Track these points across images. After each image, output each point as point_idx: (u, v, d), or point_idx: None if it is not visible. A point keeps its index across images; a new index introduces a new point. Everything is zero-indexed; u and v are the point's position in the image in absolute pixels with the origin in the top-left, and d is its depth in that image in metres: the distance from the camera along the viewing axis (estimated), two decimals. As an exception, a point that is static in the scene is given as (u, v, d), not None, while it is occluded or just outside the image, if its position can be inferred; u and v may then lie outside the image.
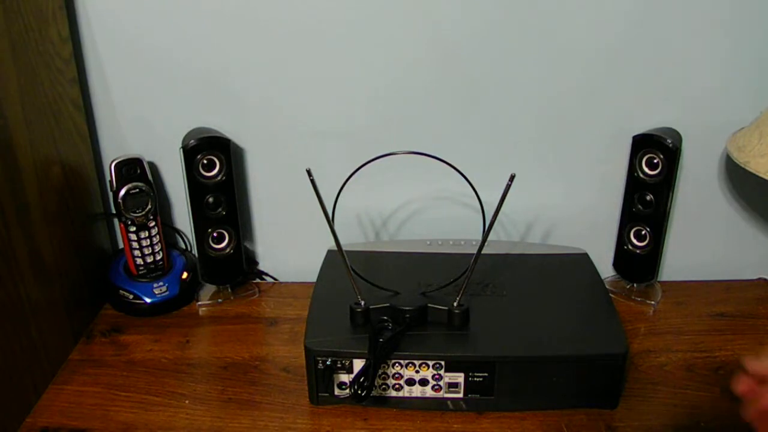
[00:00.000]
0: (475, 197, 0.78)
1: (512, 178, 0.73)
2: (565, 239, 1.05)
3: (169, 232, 1.06)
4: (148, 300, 0.97)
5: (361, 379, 0.74)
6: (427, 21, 0.91)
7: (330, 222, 0.78)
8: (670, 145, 0.90)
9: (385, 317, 0.80)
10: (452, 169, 0.78)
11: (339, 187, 0.83)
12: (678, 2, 0.89)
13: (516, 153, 0.99)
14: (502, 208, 0.76)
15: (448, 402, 0.79)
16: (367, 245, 0.99)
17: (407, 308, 0.79)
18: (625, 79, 0.94)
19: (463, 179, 0.78)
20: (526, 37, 0.92)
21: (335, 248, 0.80)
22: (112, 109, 0.98)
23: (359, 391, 0.73)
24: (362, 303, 0.81)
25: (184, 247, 1.07)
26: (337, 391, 0.79)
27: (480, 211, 0.80)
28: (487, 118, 0.97)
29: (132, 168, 0.92)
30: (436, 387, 0.78)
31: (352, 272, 0.81)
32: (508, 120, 0.97)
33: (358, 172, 0.80)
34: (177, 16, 0.92)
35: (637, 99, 0.95)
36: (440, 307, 0.80)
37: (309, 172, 0.74)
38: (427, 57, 0.93)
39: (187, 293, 1.00)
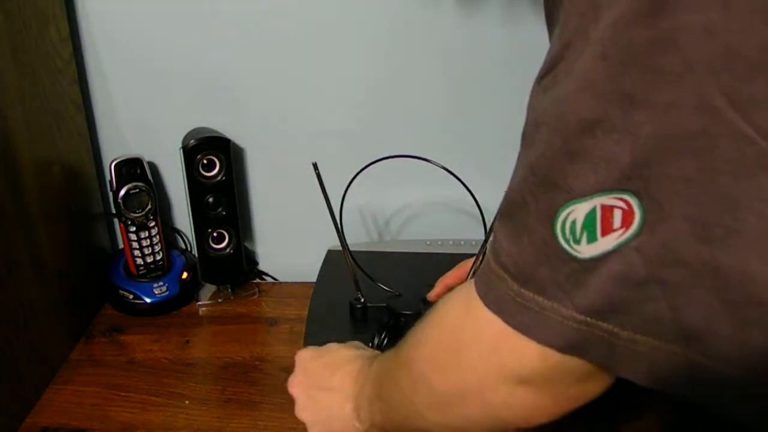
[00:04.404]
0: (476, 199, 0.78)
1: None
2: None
3: (169, 232, 1.06)
4: (148, 300, 0.97)
5: None
6: (427, 21, 0.91)
7: (333, 215, 0.78)
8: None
9: (385, 327, 0.79)
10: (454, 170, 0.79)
11: (339, 186, 0.83)
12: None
13: (515, 153, 0.98)
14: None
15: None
16: (367, 245, 0.99)
17: (406, 312, 0.79)
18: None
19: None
20: (526, 39, 0.92)
21: (335, 248, 0.80)
22: (111, 109, 0.98)
23: None
24: (362, 299, 0.81)
25: (184, 247, 1.07)
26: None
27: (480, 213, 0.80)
28: (488, 118, 0.97)
29: (132, 168, 0.92)
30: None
31: (354, 267, 0.81)
32: (510, 120, 0.96)
33: (359, 173, 0.80)
34: (177, 16, 0.92)
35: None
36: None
37: (315, 166, 0.74)
38: (429, 57, 0.93)
39: (187, 293, 1.00)
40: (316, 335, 0.80)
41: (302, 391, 0.70)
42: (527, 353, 0.41)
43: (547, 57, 0.38)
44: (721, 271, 0.33)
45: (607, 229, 0.35)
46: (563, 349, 0.39)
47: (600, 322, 0.37)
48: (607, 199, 0.34)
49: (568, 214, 0.36)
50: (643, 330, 0.37)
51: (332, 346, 0.72)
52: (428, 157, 0.83)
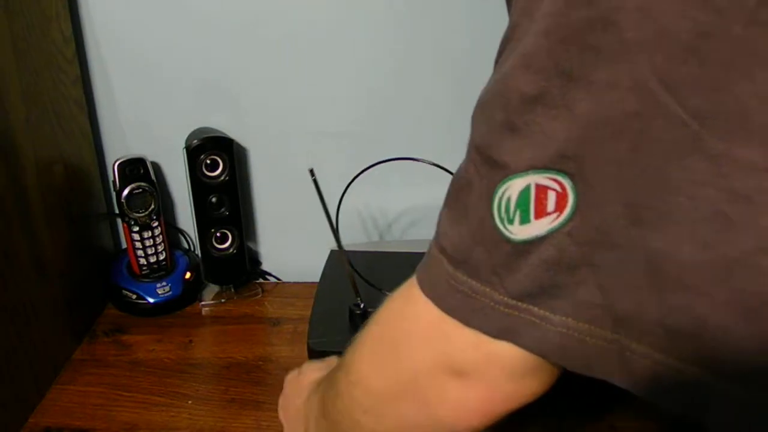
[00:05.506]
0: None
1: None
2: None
3: (173, 232, 1.06)
4: (151, 300, 0.96)
5: None
6: (430, 22, 0.91)
7: (331, 222, 0.78)
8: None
9: None
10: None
11: (341, 187, 0.83)
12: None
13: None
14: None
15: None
16: (369, 245, 0.99)
17: None
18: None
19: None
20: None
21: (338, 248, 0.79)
22: (115, 109, 0.98)
23: None
24: (362, 305, 0.81)
25: (187, 247, 1.07)
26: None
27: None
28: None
29: (135, 168, 0.92)
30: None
31: (353, 273, 0.81)
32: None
33: (360, 174, 0.80)
34: (180, 16, 0.92)
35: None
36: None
37: (312, 172, 0.74)
38: (432, 58, 0.93)
39: (190, 293, 1.00)
40: (319, 335, 0.80)
41: (281, 415, 0.70)
42: (459, 340, 0.40)
43: (501, 40, 0.38)
44: (652, 254, 0.33)
45: (540, 212, 0.35)
46: (493, 333, 0.39)
47: (532, 307, 0.37)
48: (542, 178, 0.34)
49: (504, 191, 0.36)
50: (574, 315, 0.36)
51: (312, 364, 0.70)
52: (432, 159, 0.83)
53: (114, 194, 0.93)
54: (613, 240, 0.34)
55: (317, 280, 0.92)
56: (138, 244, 0.95)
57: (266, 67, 0.94)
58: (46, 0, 0.83)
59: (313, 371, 0.68)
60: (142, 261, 0.97)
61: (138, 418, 0.79)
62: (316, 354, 0.78)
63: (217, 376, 0.86)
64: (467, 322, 0.39)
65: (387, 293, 0.82)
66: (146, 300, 0.96)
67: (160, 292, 0.97)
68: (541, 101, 0.34)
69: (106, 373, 0.86)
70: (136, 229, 0.94)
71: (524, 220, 0.36)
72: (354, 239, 1.03)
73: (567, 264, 0.35)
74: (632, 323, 0.35)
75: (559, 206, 0.35)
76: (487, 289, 0.38)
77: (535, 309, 0.37)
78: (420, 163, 0.82)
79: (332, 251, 0.97)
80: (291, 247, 1.07)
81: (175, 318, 0.97)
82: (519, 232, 0.36)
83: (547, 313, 0.37)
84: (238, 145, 0.99)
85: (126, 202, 0.92)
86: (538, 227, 0.35)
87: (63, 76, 0.88)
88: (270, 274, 1.07)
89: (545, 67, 0.33)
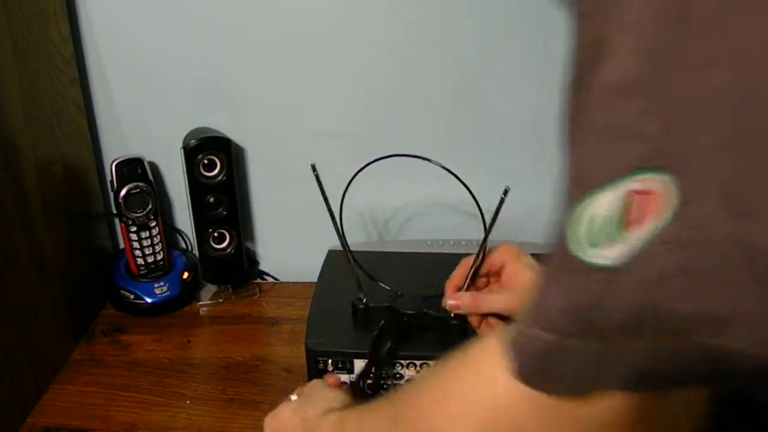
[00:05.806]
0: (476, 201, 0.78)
1: (506, 192, 0.72)
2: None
3: (170, 232, 1.06)
4: (149, 300, 0.97)
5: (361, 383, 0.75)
6: (427, 21, 0.91)
7: (333, 217, 0.78)
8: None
9: (386, 326, 0.78)
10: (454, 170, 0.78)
11: (339, 186, 0.83)
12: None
13: (515, 153, 0.98)
14: (502, 210, 0.75)
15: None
16: (368, 245, 0.99)
17: (408, 312, 0.79)
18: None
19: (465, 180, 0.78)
20: (529, 39, 0.92)
21: (336, 248, 0.80)
22: (112, 109, 0.98)
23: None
24: (364, 300, 0.81)
25: (185, 247, 1.07)
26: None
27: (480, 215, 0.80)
28: (489, 118, 0.97)
29: (133, 168, 0.92)
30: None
31: (356, 268, 0.81)
32: (510, 120, 0.97)
33: (360, 171, 0.80)
34: (178, 17, 0.92)
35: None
36: (440, 314, 0.79)
37: (314, 167, 0.74)
38: (430, 57, 0.93)
39: (188, 293, 1.00)
40: (317, 335, 0.80)
41: None
42: (576, 408, 0.36)
43: (578, 53, 0.34)
44: (753, 248, 0.30)
45: (634, 222, 0.31)
46: (591, 389, 0.35)
47: (620, 341, 0.33)
48: (633, 183, 0.30)
49: (587, 211, 0.32)
50: (665, 332, 0.32)
51: (287, 405, 0.68)
52: (429, 157, 0.83)
53: (112, 194, 0.93)
54: (711, 237, 0.30)
55: (315, 280, 0.92)
56: (136, 244, 0.95)
57: (264, 66, 0.94)
58: (44, 1, 0.83)
59: (294, 411, 0.66)
60: (140, 261, 0.97)
61: (136, 418, 0.79)
62: (313, 354, 0.78)
63: (215, 376, 0.86)
64: (550, 391, 0.36)
65: (388, 289, 0.84)
66: (144, 300, 0.96)
67: (158, 292, 0.97)
68: (629, 92, 0.30)
69: (105, 373, 0.86)
70: (134, 229, 0.94)
71: (614, 239, 0.31)
72: (353, 238, 1.02)
73: (662, 278, 0.31)
74: (727, 323, 0.32)
75: (655, 209, 0.30)
76: (571, 343, 0.34)
77: (623, 342, 0.33)
78: (419, 162, 0.82)
79: (330, 251, 0.97)
80: (289, 247, 1.07)
81: (173, 318, 0.97)
82: (607, 255, 0.31)
83: (639, 343, 0.33)
84: (236, 145, 0.99)
85: (124, 202, 0.92)
86: (631, 242, 0.31)
87: (61, 76, 0.88)
88: (268, 274, 1.08)
89: (633, 51, 0.30)
